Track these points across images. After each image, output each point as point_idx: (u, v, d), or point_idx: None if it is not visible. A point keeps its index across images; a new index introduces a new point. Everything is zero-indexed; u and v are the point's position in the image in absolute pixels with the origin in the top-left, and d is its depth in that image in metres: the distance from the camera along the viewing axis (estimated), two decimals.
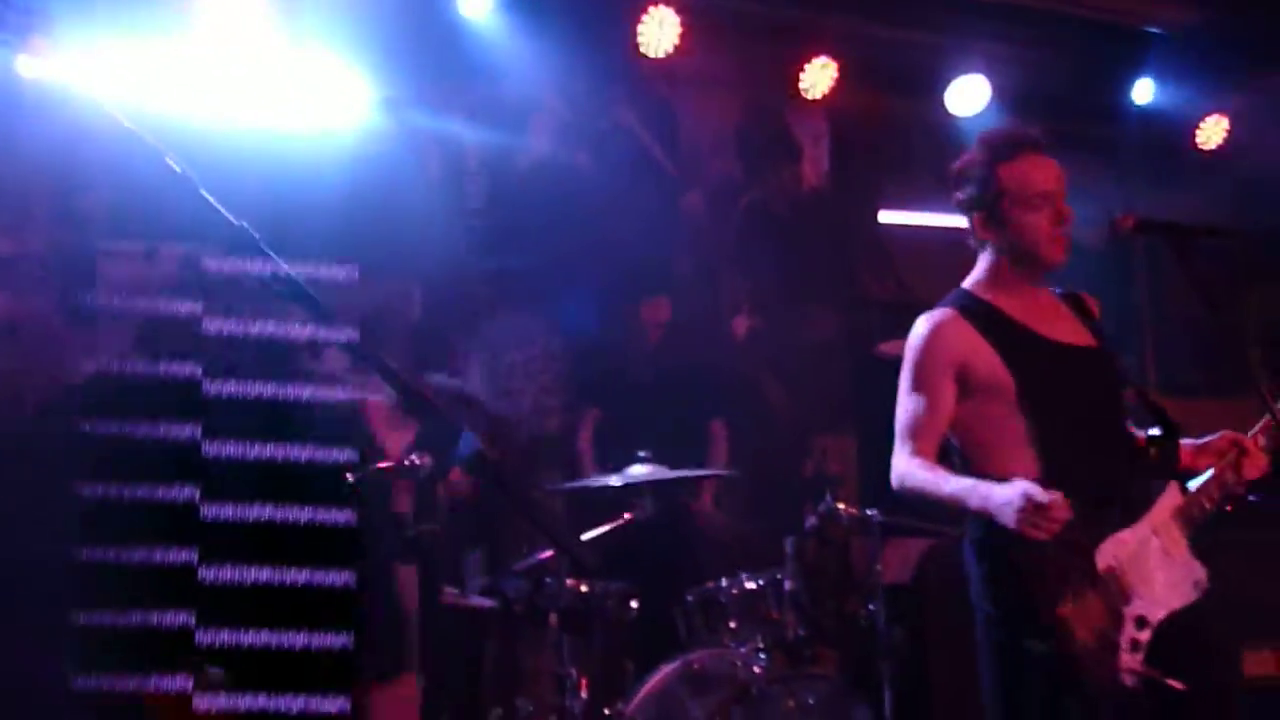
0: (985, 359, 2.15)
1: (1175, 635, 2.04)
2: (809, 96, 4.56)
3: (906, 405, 2.23)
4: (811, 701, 2.85)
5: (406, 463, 1.26)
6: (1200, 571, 2.12)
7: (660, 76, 4.55)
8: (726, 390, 4.35)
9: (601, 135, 4.46)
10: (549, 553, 2.97)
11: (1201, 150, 5.19)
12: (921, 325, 2.25)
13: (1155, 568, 2.08)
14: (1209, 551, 2.14)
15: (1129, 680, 1.99)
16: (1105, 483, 2.09)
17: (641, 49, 4.19)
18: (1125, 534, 2.07)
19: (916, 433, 2.18)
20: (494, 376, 4.03)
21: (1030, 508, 1.89)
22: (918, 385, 2.20)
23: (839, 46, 4.47)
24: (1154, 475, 2.17)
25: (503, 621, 2.91)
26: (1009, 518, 1.92)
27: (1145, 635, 2.02)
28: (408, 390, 1.24)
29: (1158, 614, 2.04)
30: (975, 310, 2.22)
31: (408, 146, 3.92)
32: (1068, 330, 2.25)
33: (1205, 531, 2.17)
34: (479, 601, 2.72)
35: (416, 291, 4.04)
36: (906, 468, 2.17)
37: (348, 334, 1.30)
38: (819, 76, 4.51)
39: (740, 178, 4.77)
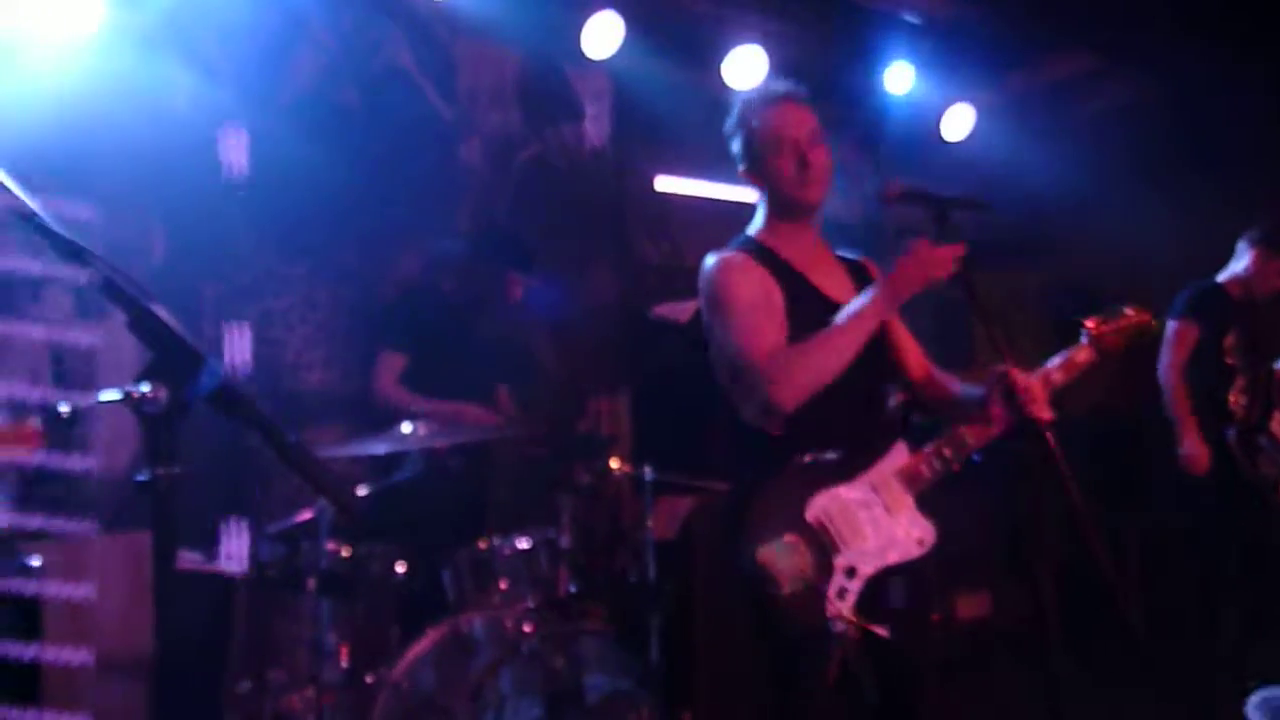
0: (776, 301, 2.22)
1: (889, 585, 2.16)
2: (592, 56, 4.51)
3: (740, 329, 2.20)
4: (582, 657, 2.84)
5: (134, 394, 1.08)
6: (926, 529, 2.22)
7: (439, 20, 4.34)
8: (505, 352, 4.27)
9: (374, 75, 4.20)
10: (307, 514, 2.78)
11: (947, 141, 5.64)
12: (718, 264, 2.28)
13: (868, 522, 2.17)
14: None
15: (837, 625, 2.09)
16: (842, 440, 2.18)
17: None
18: (842, 489, 2.16)
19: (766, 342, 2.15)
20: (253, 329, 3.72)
21: None
22: (741, 311, 2.20)
23: (622, 4, 4.44)
24: (889, 435, 2.27)
25: (254, 588, 2.69)
26: None
27: (855, 584, 2.12)
28: (137, 307, 1.07)
29: (867, 567, 2.14)
30: (761, 254, 2.29)
31: (152, 71, 3.50)
32: (838, 287, 2.35)
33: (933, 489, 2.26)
34: (226, 567, 2.50)
35: (159, 231, 3.64)
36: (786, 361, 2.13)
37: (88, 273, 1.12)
38: (604, 34, 4.46)
39: (520, 131, 4.65)
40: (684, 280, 5.15)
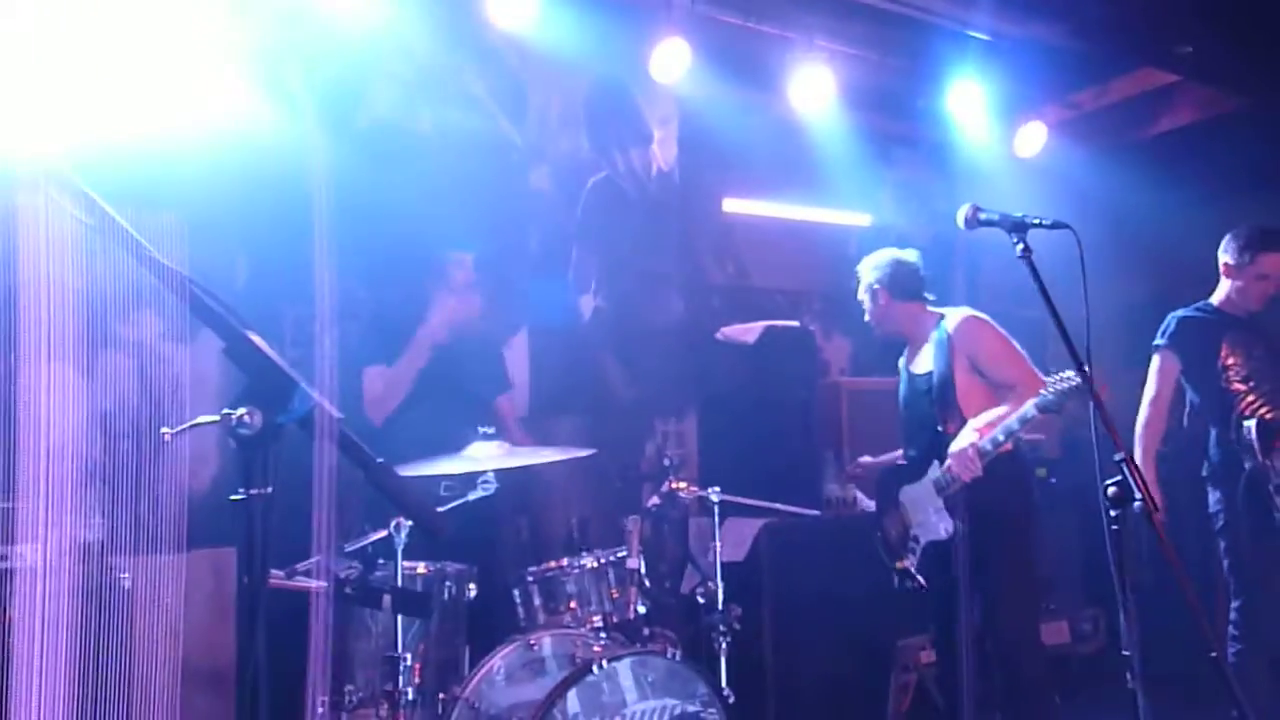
0: None
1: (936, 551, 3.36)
2: (660, 80, 4.57)
3: None
4: (650, 679, 2.84)
5: (232, 417, 1.13)
6: (948, 521, 3.33)
7: (510, 48, 4.44)
8: (567, 369, 4.31)
9: (446, 102, 4.31)
10: (382, 532, 2.84)
11: (1019, 156, 5.57)
12: None
13: (921, 511, 3.43)
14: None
15: (909, 565, 3.47)
16: (916, 456, 3.49)
17: (491, 19, 4.08)
18: (910, 487, 3.48)
19: None
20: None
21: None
22: None
23: (689, 30, 4.49)
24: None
25: (331, 604, 2.75)
26: None
27: (916, 547, 3.46)
28: (234, 334, 1.13)
29: (923, 538, 3.43)
30: None
31: (238, 98, 3.63)
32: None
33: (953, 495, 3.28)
34: (306, 583, 2.56)
35: (242, 255, 3.77)
36: None
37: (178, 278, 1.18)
38: (671, 60, 4.51)
39: (588, 156, 4.71)
40: (750, 301, 5.20)
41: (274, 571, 2.63)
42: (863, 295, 3.63)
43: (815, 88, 4.74)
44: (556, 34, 4.25)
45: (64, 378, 2.59)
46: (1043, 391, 2.92)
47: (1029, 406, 3.01)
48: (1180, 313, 3.80)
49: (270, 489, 1.17)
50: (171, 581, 2.92)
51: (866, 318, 3.64)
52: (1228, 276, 3.75)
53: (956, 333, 3.34)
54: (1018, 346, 3.29)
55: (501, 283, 4.20)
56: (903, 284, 3.52)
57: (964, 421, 3.26)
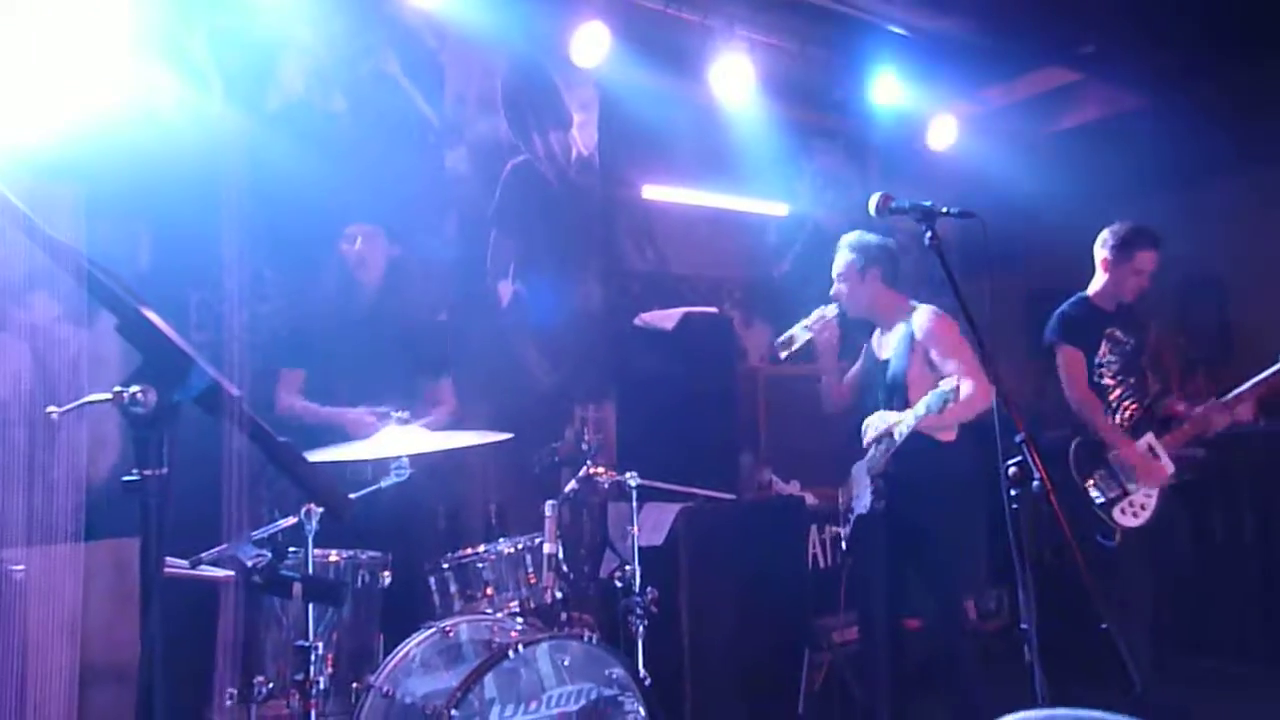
0: None
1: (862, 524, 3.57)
2: (580, 64, 4.54)
3: None
4: (568, 663, 2.83)
5: (124, 395, 1.08)
6: (868, 498, 3.49)
7: (427, 27, 4.36)
8: (485, 354, 4.26)
9: (361, 82, 4.21)
10: (291, 520, 2.77)
11: (931, 150, 5.70)
12: None
13: (859, 485, 3.59)
14: None
15: (841, 533, 3.71)
16: None
17: None
18: (858, 464, 3.66)
19: None
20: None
21: None
22: None
23: (610, 15, 4.47)
24: None
25: (239, 594, 2.68)
26: None
27: (851, 517, 3.65)
28: (127, 310, 1.08)
29: (855, 511, 3.62)
30: None
31: (144, 73, 3.48)
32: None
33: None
34: (211, 572, 2.48)
35: (145, 237, 3.63)
36: None
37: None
38: (591, 44, 4.49)
39: (508, 139, 4.66)
40: (669, 288, 5.22)
41: (178, 561, 2.55)
42: (846, 272, 3.63)
43: (736, 77, 4.78)
44: (474, 13, 4.19)
45: None
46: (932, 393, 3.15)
47: (920, 405, 3.23)
48: (1064, 308, 3.95)
49: (166, 470, 1.13)
50: (68, 573, 2.81)
51: (840, 294, 3.64)
52: (1105, 270, 3.93)
53: (919, 326, 3.49)
54: (969, 348, 3.40)
55: (418, 264, 4.13)
56: (894, 270, 3.62)
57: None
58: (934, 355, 3.45)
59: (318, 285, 3.56)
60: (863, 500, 3.52)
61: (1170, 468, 3.76)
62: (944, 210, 2.45)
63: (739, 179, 5.38)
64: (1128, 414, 3.85)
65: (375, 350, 3.42)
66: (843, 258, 3.65)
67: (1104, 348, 3.87)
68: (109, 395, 1.11)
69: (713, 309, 4.84)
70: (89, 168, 3.19)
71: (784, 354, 3.67)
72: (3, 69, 2.96)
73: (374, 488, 2.85)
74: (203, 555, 2.58)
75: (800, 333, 3.63)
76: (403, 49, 4.33)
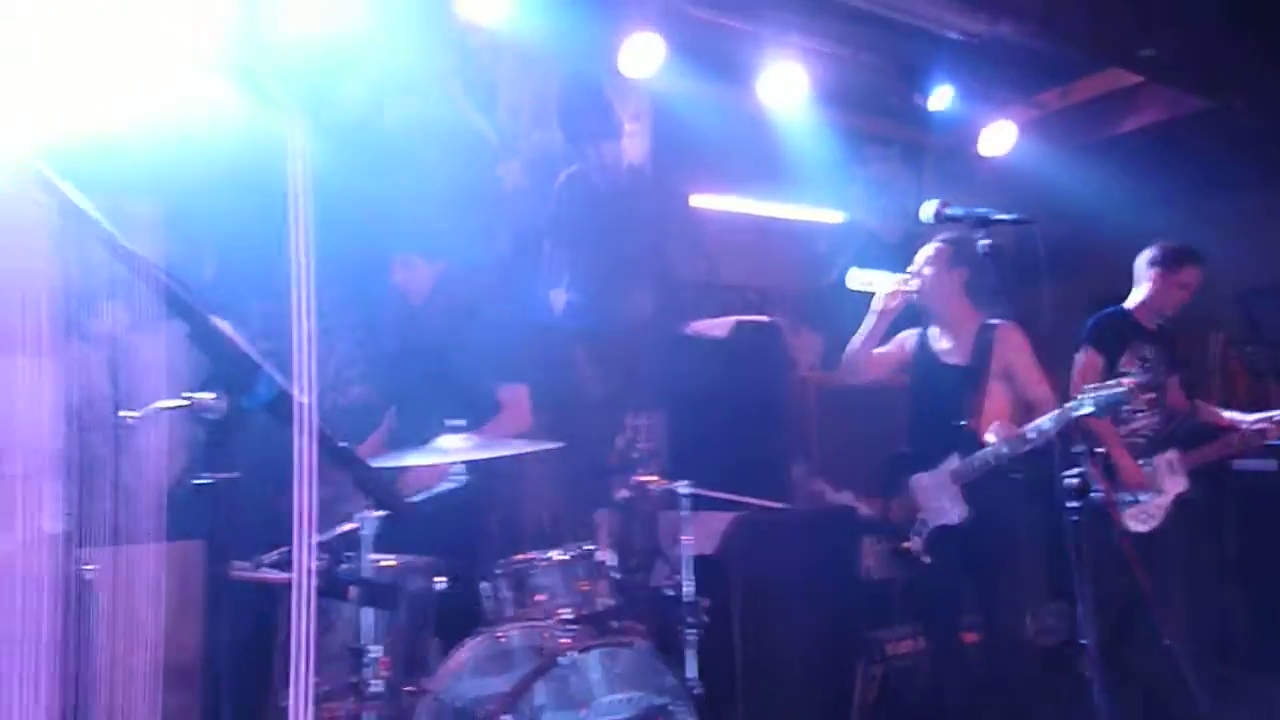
0: None
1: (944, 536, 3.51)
2: (631, 74, 4.57)
3: None
4: (618, 671, 2.85)
5: (194, 401, 1.12)
6: (962, 508, 3.47)
7: (481, 42, 4.43)
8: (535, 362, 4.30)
9: (419, 99, 4.29)
10: (350, 525, 2.83)
11: (985, 156, 5.63)
12: None
13: (935, 498, 3.55)
14: None
15: (913, 547, 3.60)
16: (931, 444, 3.57)
17: (461, 13, 4.06)
18: (924, 474, 3.59)
19: None
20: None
21: None
22: None
23: (661, 25, 4.50)
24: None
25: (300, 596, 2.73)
26: None
27: (924, 530, 3.58)
28: (198, 319, 1.12)
29: (931, 523, 3.57)
30: None
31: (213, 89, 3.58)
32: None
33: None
34: (271, 575, 2.54)
35: (210, 249, 3.74)
36: None
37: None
38: (643, 54, 4.51)
39: (561, 150, 4.71)
40: (720, 297, 5.22)
41: (240, 563, 2.61)
42: (936, 258, 3.60)
43: (787, 84, 4.77)
44: (528, 27, 4.22)
45: (33, 370, 2.55)
46: (1081, 398, 2.99)
47: (1069, 408, 3.05)
48: (1099, 315, 4.00)
49: (236, 474, 1.17)
50: (146, 575, 2.89)
51: (922, 277, 3.60)
52: (1148, 284, 3.99)
53: (1001, 338, 3.48)
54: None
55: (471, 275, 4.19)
56: (977, 280, 3.60)
57: (980, 421, 3.41)
58: (1020, 375, 3.45)
59: (375, 310, 3.64)
60: (950, 511, 3.49)
61: (1181, 485, 3.81)
62: (999, 217, 2.43)
63: (791, 187, 5.37)
64: (1140, 425, 3.86)
65: (442, 368, 3.47)
66: (938, 246, 3.61)
67: (1127, 358, 3.91)
68: (181, 401, 1.16)
69: (764, 317, 4.83)
70: (165, 182, 3.28)
71: (857, 286, 3.57)
72: (86, 93, 3.06)
73: (429, 493, 2.90)
74: (263, 557, 2.64)
75: (884, 281, 3.56)
76: (461, 66, 4.40)
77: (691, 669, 3.11)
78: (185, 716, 3.20)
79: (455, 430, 2.97)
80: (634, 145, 4.98)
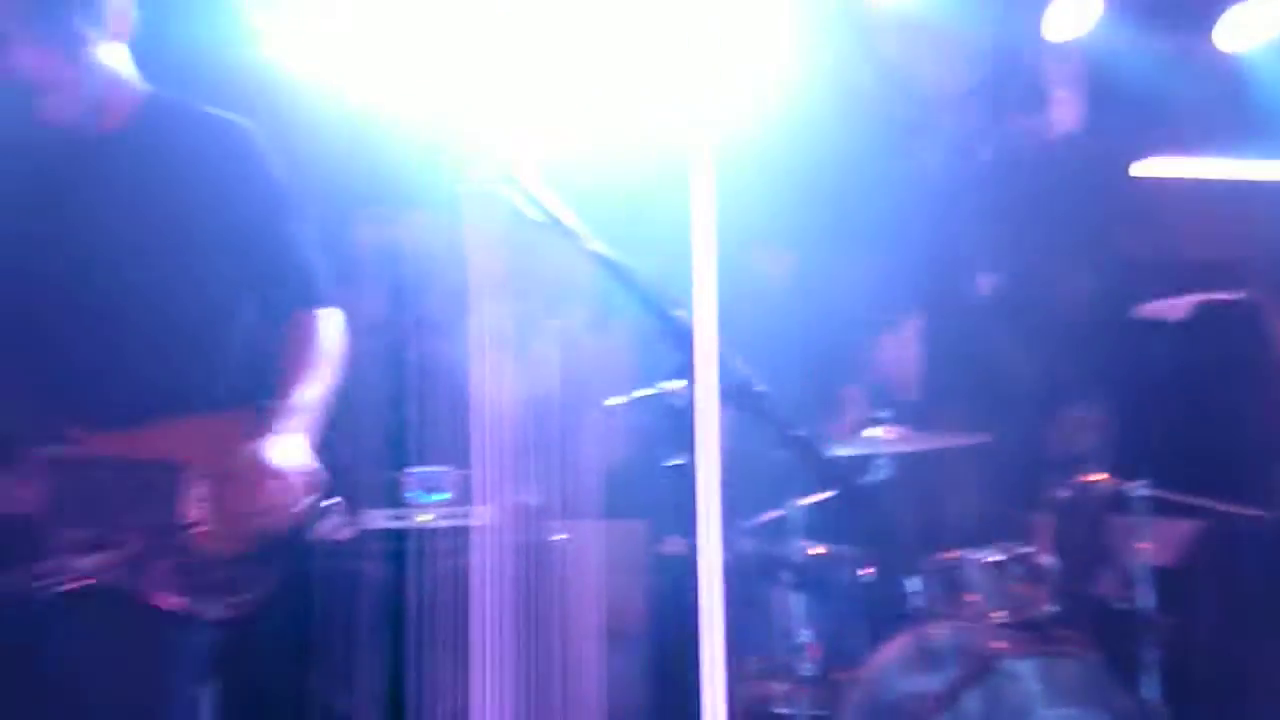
0: None
1: None
2: (1060, 37, 4.23)
3: None
4: (1062, 684, 2.65)
5: (666, 390, 1.22)
6: None
7: (890, 26, 4.35)
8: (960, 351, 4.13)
9: (831, 87, 4.30)
10: (778, 511, 2.92)
11: None
12: None
13: None
14: None
15: None
16: None
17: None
18: None
19: None
20: None
21: None
22: None
23: None
24: None
25: (731, 577, 2.87)
26: None
27: None
28: (665, 313, 1.21)
29: None
30: None
31: None
32: None
33: None
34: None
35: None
36: None
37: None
38: (1073, 13, 4.16)
39: (980, 128, 4.48)
40: (1175, 276, 4.62)
41: (676, 539, 2.81)
42: None
43: (1249, 25, 4.13)
44: (939, 4, 4.09)
45: (505, 363, 2.97)
46: None
47: None
48: None
49: (693, 458, 1.24)
50: (594, 547, 3.23)
51: None
52: None
53: None
54: None
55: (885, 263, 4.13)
56: None
57: None
58: None
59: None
60: None
61: None
62: None
63: (1260, 143, 4.62)
64: None
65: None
66: None
67: None
68: (655, 390, 1.26)
69: (1233, 295, 4.22)
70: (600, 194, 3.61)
71: None
72: (572, 110, 3.42)
73: (856, 486, 2.90)
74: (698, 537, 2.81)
75: None
76: (870, 51, 4.35)
77: (1152, 692, 2.79)
78: (623, 674, 3.52)
79: (880, 421, 2.95)
80: (1066, 113, 4.59)
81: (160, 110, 1.81)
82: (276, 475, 1.67)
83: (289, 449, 1.72)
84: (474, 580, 2.71)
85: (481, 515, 2.82)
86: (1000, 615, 2.88)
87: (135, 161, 1.75)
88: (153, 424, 1.70)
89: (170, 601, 1.65)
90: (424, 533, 2.86)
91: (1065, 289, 4.49)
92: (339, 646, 2.72)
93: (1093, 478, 3.08)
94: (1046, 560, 2.89)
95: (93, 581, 1.60)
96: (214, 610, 1.68)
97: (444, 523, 2.86)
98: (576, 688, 3.02)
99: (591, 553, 3.14)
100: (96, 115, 1.73)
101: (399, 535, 2.79)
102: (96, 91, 1.72)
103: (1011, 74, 4.53)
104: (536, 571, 2.91)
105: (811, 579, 2.74)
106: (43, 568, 1.59)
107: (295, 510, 1.70)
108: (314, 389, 1.84)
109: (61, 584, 1.59)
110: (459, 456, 2.90)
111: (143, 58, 1.91)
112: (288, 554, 1.74)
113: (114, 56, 1.76)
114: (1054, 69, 4.56)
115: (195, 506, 1.67)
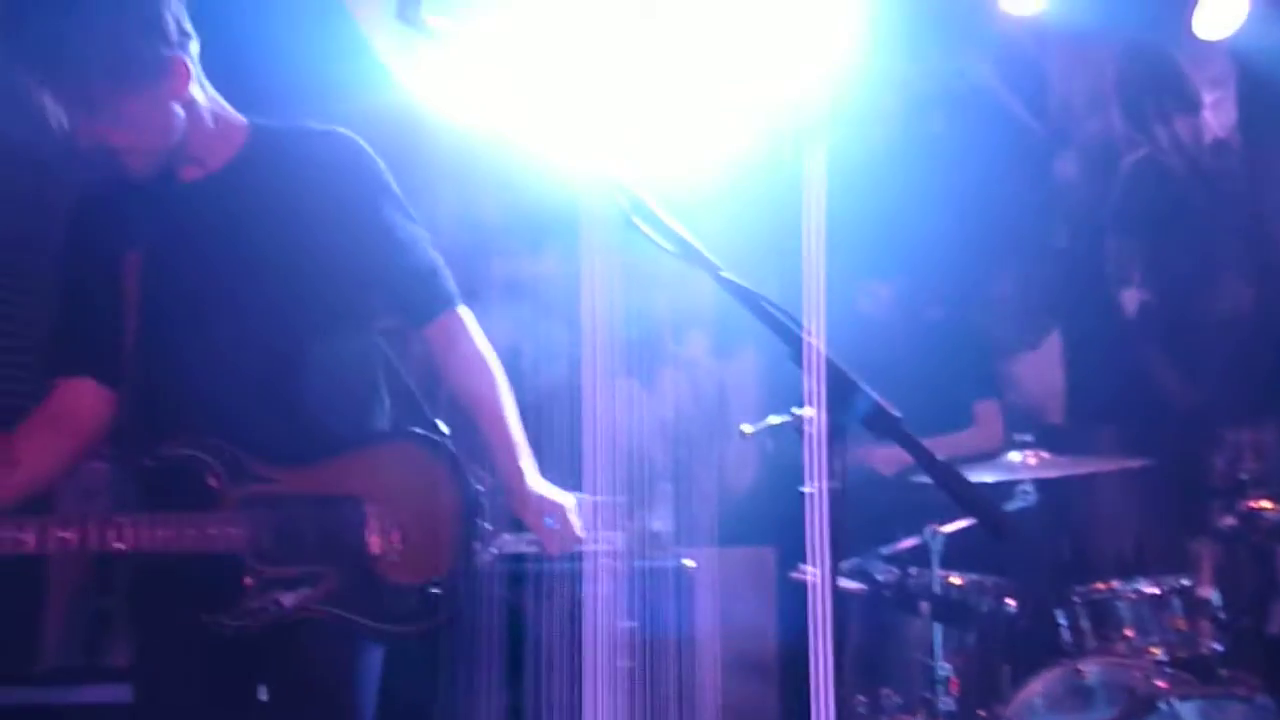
0: None
1: None
2: (1208, 36, 3.99)
3: None
4: None
5: (800, 417, 1.20)
6: None
7: (1025, 32, 4.21)
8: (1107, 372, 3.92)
9: (958, 100, 4.19)
10: (914, 540, 2.82)
11: None
12: None
13: None
14: None
15: None
16: None
17: (1003, 6, 3.89)
18: None
19: None
20: None
21: None
22: None
23: None
24: None
25: (870, 606, 2.80)
26: None
27: None
28: (796, 340, 1.19)
29: None
30: None
31: None
32: None
33: None
34: (845, 583, 2.63)
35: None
36: None
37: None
38: (1223, 11, 3.91)
39: (1123, 134, 4.28)
40: None
41: (813, 569, 2.75)
42: None
43: None
44: (1076, 8, 3.92)
45: (628, 391, 2.99)
46: None
47: None
48: None
49: (835, 484, 1.22)
50: (715, 572, 3.21)
51: None
52: None
53: None
54: None
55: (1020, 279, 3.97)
56: None
57: None
58: None
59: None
60: None
61: None
62: None
63: None
64: None
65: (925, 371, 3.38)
66: None
67: None
68: (787, 417, 1.24)
69: None
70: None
71: None
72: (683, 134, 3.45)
73: (998, 511, 2.78)
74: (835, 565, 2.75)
75: None
76: (1000, 60, 4.22)
77: None
78: (749, 702, 3.46)
79: (1024, 446, 2.82)
80: (1217, 116, 4.33)
81: (263, 142, 1.82)
82: (554, 508, 1.85)
83: (545, 485, 1.87)
84: (592, 607, 2.73)
85: (608, 540, 2.84)
86: (1158, 652, 2.70)
87: (251, 201, 1.77)
88: (330, 458, 1.77)
89: (368, 630, 1.72)
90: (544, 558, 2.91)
91: (1223, 301, 4.23)
92: (463, 670, 2.78)
93: (1259, 504, 2.86)
94: (1208, 593, 2.69)
95: (299, 616, 1.68)
96: (409, 637, 1.75)
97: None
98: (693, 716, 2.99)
99: (716, 579, 3.12)
100: (187, 165, 1.76)
101: (519, 558, 2.83)
102: (183, 146, 1.73)
103: (1158, 76, 4.31)
104: (658, 597, 2.91)
105: (952, 609, 2.64)
106: (251, 604, 1.66)
107: (577, 540, 1.87)
108: (512, 409, 1.91)
109: (271, 619, 1.68)
110: (588, 483, 2.93)
111: (274, 100, 1.99)
112: (469, 578, 1.80)
113: (197, 103, 1.74)
114: (1202, 71, 4.32)
115: (381, 537, 1.72)
